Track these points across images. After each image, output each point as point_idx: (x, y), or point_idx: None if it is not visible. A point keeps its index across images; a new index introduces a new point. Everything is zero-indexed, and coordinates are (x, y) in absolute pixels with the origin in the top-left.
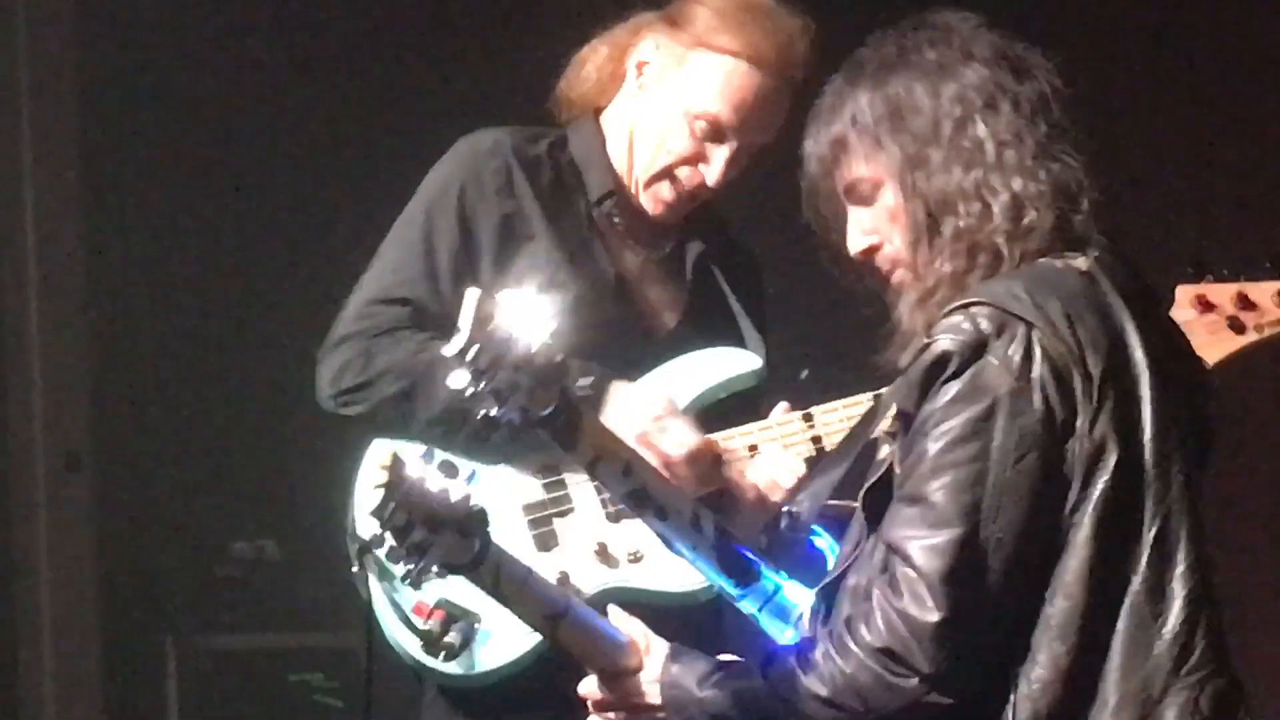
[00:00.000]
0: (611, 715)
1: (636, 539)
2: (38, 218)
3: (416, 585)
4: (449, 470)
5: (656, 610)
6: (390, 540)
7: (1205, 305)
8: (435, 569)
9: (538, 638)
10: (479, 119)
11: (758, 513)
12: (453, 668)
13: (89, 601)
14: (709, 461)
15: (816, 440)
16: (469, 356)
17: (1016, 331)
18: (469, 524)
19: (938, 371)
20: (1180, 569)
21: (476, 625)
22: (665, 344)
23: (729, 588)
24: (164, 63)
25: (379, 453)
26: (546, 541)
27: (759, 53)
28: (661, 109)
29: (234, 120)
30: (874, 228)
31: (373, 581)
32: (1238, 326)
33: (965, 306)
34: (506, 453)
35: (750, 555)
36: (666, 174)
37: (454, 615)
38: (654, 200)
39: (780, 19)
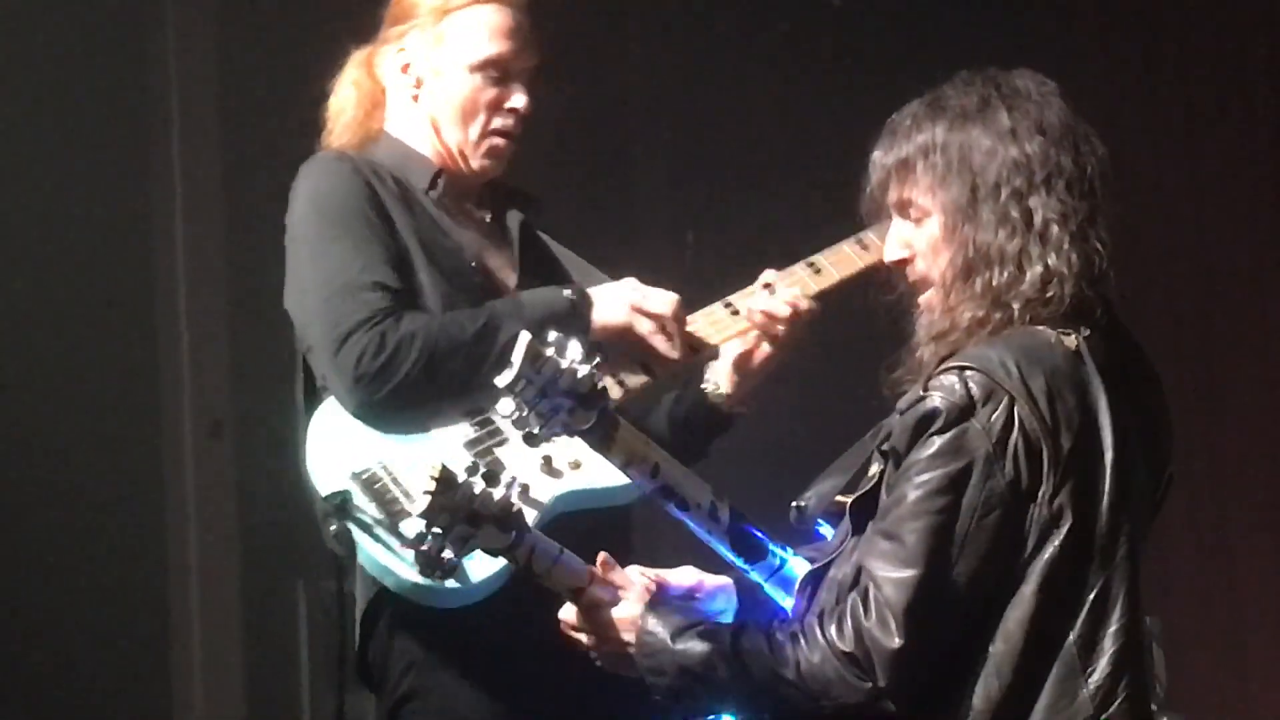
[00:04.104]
0: (584, 638)
1: (572, 449)
2: (186, 205)
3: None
4: (491, 480)
5: (601, 514)
6: (436, 533)
7: None
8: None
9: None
10: None
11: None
12: (451, 583)
13: (232, 551)
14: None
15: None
16: (518, 389)
17: (1001, 401)
18: (506, 519)
19: (927, 424)
20: (1114, 628)
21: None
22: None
23: (740, 563)
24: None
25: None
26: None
27: None
28: (448, 83)
29: None
30: (911, 246)
31: (356, 531)
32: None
33: (961, 369)
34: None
35: (759, 535)
36: (488, 128)
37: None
38: (489, 156)
39: None
